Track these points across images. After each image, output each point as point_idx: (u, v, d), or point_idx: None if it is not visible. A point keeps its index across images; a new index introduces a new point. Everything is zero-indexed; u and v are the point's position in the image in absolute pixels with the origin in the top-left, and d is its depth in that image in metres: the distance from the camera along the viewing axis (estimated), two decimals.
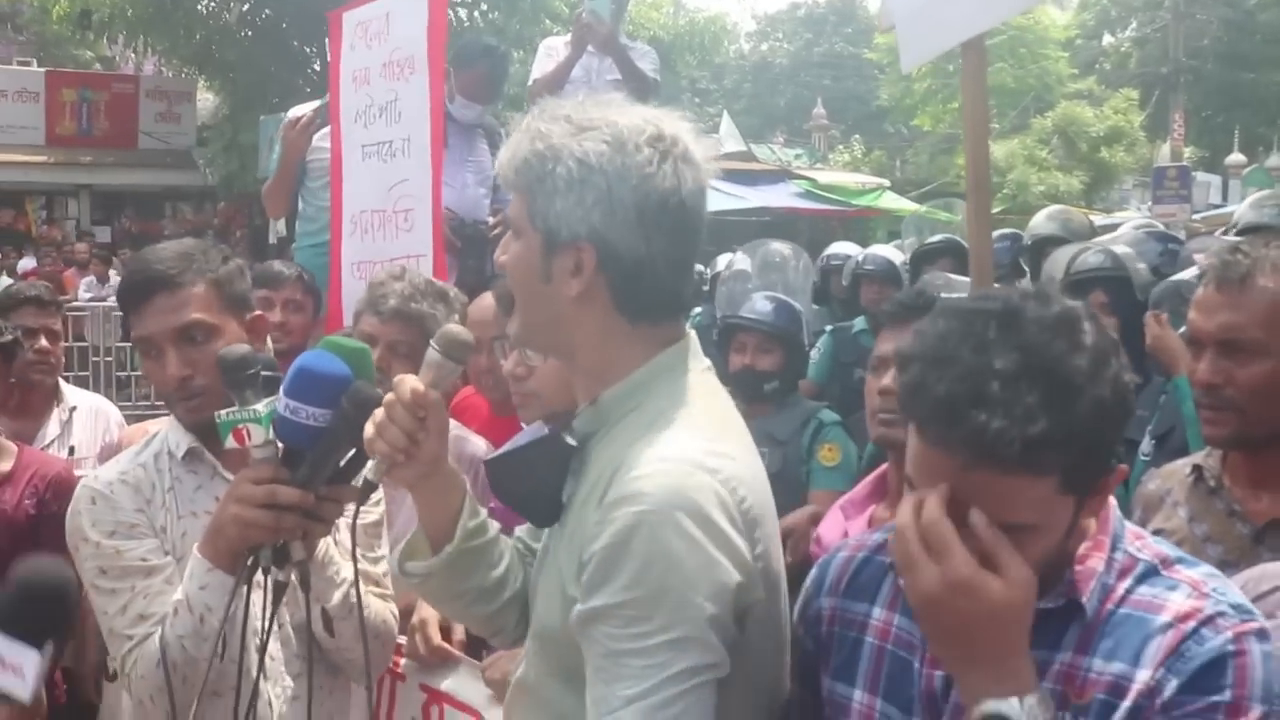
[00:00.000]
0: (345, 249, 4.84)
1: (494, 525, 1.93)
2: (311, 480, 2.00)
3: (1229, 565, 2.22)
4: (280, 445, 2.02)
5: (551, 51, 6.12)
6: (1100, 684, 1.51)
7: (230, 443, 2.02)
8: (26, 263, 17.88)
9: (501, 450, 1.84)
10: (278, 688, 2.31)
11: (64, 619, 1.71)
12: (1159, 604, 1.54)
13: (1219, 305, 2.25)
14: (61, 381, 4.45)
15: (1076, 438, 1.44)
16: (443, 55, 4.66)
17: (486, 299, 3.83)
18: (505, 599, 1.94)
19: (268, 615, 2.04)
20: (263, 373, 2.04)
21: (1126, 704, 1.48)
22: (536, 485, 1.77)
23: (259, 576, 2.03)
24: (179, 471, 2.33)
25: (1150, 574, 1.58)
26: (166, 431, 2.41)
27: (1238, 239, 2.58)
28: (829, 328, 6.41)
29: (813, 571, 1.90)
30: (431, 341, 1.84)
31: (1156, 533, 2.40)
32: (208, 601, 2.08)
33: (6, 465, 3.64)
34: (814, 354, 5.83)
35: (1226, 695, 1.45)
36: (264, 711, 2.26)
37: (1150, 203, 18.77)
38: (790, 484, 4.10)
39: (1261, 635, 1.50)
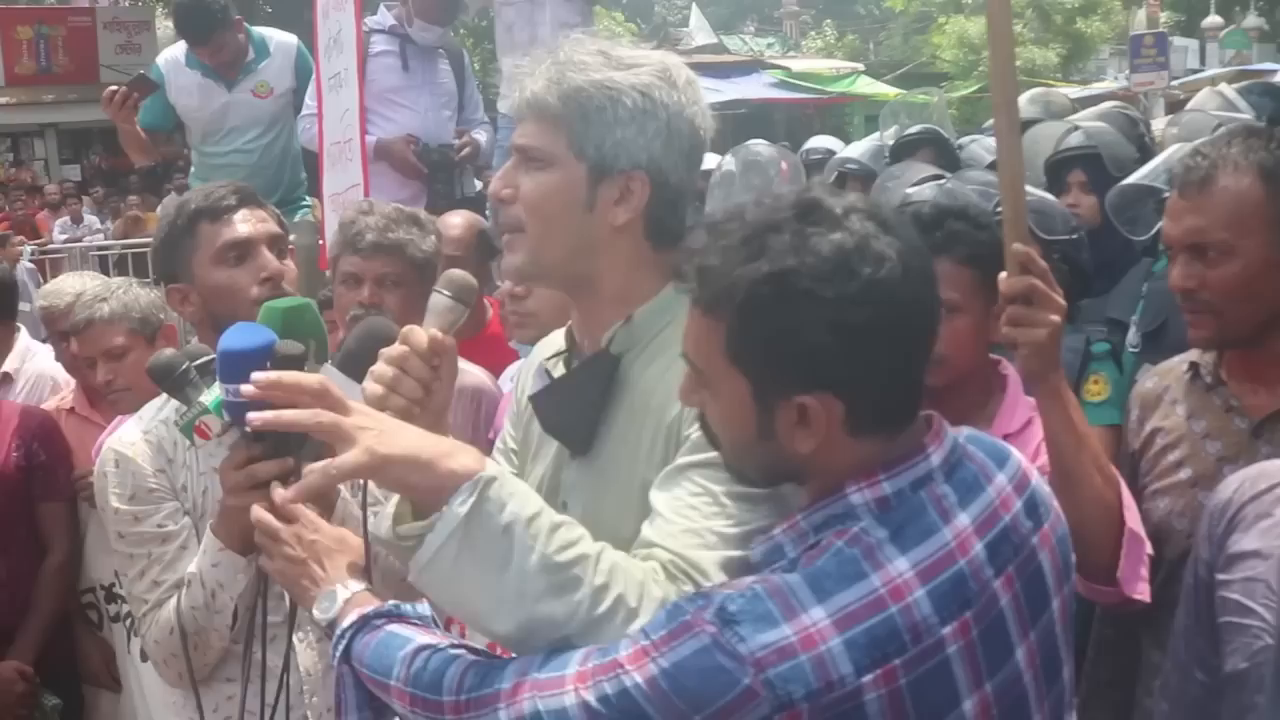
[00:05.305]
0: (325, 183, 4.79)
1: None
2: (281, 448, 1.97)
3: (1228, 461, 2.25)
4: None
5: None
6: None
7: (199, 441, 2.06)
8: None
9: (558, 378, 1.87)
10: (313, 651, 2.34)
11: None
12: None
13: (1184, 210, 2.24)
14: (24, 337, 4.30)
15: (749, 304, 1.41)
16: None
17: (451, 217, 3.83)
18: None
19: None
20: (200, 360, 2.04)
21: None
22: (584, 410, 1.80)
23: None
24: None
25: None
26: None
27: (1200, 142, 2.53)
28: None
29: None
30: (437, 287, 1.84)
31: (1155, 431, 2.42)
32: (219, 579, 2.18)
33: None
34: None
35: None
36: (296, 678, 2.26)
37: (1128, 71, 18.55)
38: None
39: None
